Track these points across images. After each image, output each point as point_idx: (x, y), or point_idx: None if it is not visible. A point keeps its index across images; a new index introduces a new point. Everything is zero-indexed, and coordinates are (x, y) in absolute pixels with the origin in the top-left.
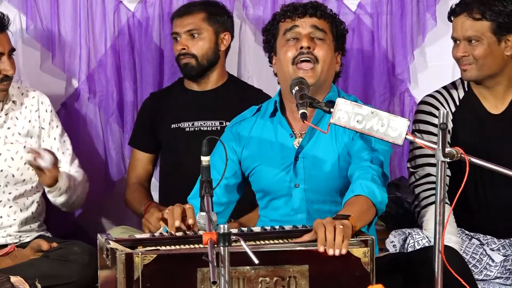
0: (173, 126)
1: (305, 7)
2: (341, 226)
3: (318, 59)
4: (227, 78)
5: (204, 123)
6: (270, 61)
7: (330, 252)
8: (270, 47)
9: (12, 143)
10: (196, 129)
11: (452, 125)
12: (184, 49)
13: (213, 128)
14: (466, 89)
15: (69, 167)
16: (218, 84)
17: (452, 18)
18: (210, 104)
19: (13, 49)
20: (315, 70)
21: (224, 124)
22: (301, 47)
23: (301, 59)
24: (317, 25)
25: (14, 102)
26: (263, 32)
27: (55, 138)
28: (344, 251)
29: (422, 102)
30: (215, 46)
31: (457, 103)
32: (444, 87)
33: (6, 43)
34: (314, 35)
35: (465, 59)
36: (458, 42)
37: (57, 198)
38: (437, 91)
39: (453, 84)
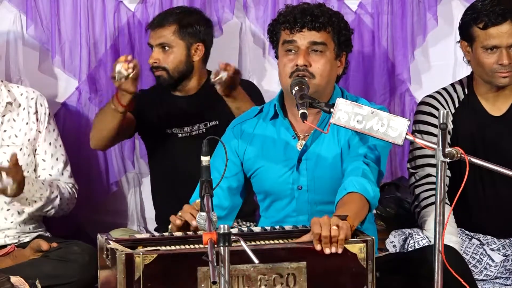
0: (167, 131)
1: (304, 19)
2: (335, 227)
3: (314, 75)
4: (207, 78)
5: (192, 128)
6: (277, 56)
7: (327, 250)
8: (274, 45)
9: (8, 145)
10: (187, 134)
11: (452, 126)
12: (155, 62)
13: (199, 132)
14: (467, 91)
15: (60, 176)
16: (198, 87)
17: (488, 27)
18: (193, 109)
19: None
20: (312, 83)
21: (208, 125)
22: (297, 65)
23: (297, 75)
24: (315, 39)
25: (11, 103)
26: (268, 30)
27: (50, 143)
28: (340, 250)
29: (422, 102)
30: (186, 59)
31: (457, 104)
32: (444, 88)
33: None
34: (312, 49)
35: (508, 67)
36: (494, 50)
37: (25, 208)
38: (437, 92)
39: (454, 85)
